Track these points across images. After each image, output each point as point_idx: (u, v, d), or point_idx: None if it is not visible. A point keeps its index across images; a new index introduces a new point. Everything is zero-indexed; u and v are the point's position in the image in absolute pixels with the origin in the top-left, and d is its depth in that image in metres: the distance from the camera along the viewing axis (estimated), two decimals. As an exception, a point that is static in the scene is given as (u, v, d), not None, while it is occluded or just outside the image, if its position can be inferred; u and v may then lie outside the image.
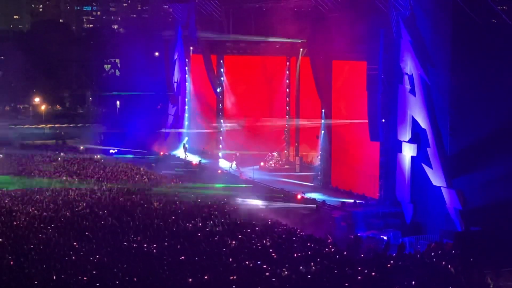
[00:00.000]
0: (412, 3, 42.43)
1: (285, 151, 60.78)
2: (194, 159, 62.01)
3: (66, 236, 38.29)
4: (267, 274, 32.69)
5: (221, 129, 61.79)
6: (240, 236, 38.83)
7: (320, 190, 50.08)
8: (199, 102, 66.30)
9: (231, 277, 32.11)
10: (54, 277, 31.82)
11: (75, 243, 37.02)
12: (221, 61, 62.01)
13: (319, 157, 52.43)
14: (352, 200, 46.56)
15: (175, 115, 67.68)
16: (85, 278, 31.66)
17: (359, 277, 32.46)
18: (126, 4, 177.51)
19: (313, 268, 33.58)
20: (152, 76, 71.80)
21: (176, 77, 66.96)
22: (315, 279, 32.33)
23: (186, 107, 66.86)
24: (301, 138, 59.38)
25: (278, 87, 61.45)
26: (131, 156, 64.81)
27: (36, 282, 31.08)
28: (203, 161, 60.85)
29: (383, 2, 43.74)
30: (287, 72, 60.59)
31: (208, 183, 52.93)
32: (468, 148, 40.92)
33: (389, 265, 34.39)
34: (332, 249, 37.43)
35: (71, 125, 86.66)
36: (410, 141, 43.30)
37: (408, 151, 43.40)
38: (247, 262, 34.22)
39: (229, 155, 59.77)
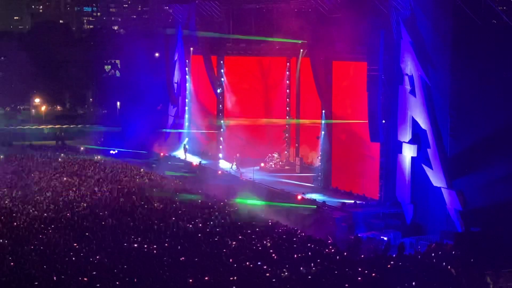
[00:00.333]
0: (412, 3, 42.44)
1: (286, 152, 60.75)
2: (194, 160, 61.99)
3: (66, 237, 38.30)
4: (268, 274, 32.71)
5: (221, 129, 61.83)
6: (240, 237, 38.85)
7: (321, 190, 50.06)
8: (199, 103, 66.29)
9: (232, 278, 32.13)
10: (55, 278, 31.84)
11: (75, 244, 37.03)
12: (221, 61, 62.02)
13: (319, 157, 52.42)
14: (352, 201, 46.56)
15: (175, 115, 67.66)
16: (85, 279, 31.69)
17: (359, 278, 32.48)
18: (126, 5, 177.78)
19: (314, 268, 33.60)
20: (153, 77, 71.74)
21: (176, 77, 66.95)
22: (316, 279, 32.35)
23: (186, 107, 66.83)
24: (301, 139, 59.33)
25: (278, 87, 61.40)
26: (131, 157, 64.76)
27: (36, 283, 31.09)
28: (204, 162, 60.83)
29: (383, 2, 43.73)
30: (287, 72, 60.53)
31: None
32: (468, 149, 40.92)
33: (389, 266, 34.40)
34: (333, 250, 37.45)
35: (72, 125, 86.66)
36: (410, 142, 43.32)
37: (408, 152, 43.41)
38: (247, 263, 34.24)
39: (229, 156, 59.75)
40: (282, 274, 32.86)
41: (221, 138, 61.83)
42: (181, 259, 34.84)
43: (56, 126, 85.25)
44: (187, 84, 66.65)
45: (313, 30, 52.12)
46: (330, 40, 49.81)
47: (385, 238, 40.69)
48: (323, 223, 43.45)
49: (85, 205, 46.08)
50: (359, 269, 33.36)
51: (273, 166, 58.61)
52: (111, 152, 67.01)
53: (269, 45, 58.33)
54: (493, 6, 41.38)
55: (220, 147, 61.73)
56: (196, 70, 65.86)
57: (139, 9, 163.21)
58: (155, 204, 46.37)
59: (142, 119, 67.37)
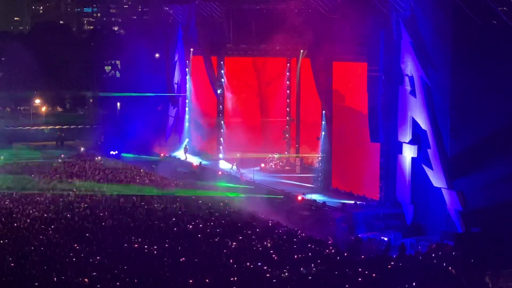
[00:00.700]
0: (413, 4, 42.43)
1: (286, 153, 60.74)
2: (195, 160, 61.98)
3: (66, 237, 38.31)
4: (268, 275, 32.72)
5: (222, 130, 61.81)
6: (240, 238, 38.86)
7: (321, 191, 50.05)
8: (199, 104, 66.27)
9: (232, 279, 32.14)
10: (55, 278, 31.85)
11: (75, 245, 37.03)
12: (222, 62, 62.01)
13: (319, 158, 52.41)
14: (352, 201, 46.54)
15: (176, 116, 67.66)
16: (85, 280, 31.70)
17: (360, 279, 32.50)
18: (126, 6, 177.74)
19: (314, 269, 33.62)
20: (153, 78, 71.77)
21: (176, 78, 66.93)
22: (316, 280, 32.36)
23: (187, 108, 66.82)
24: (301, 139, 59.33)
25: (279, 88, 61.42)
26: (131, 156, 64.74)
27: (36, 284, 31.10)
28: (204, 162, 60.81)
29: (383, 3, 43.70)
30: (287, 73, 60.54)
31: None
32: (468, 149, 40.91)
33: (389, 266, 34.42)
34: (333, 251, 37.47)
35: (72, 126, 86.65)
36: (410, 142, 43.30)
37: (408, 152, 43.39)
38: (247, 264, 34.24)
39: (229, 156, 59.73)
40: (283, 275, 32.87)
41: (221, 139, 61.82)
42: (181, 259, 34.85)
43: (57, 127, 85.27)
44: (187, 85, 66.65)
45: (313, 31, 52.11)
46: (330, 40, 49.79)
47: (386, 239, 40.66)
48: (324, 224, 43.44)
49: (85, 205, 46.09)
50: (360, 269, 33.37)
51: (273, 166, 58.62)
52: (111, 152, 66.99)
53: (269, 46, 58.30)
54: (493, 6, 41.38)
55: (220, 147, 61.73)
56: (196, 70, 65.84)
57: (139, 9, 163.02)
58: (155, 205, 46.37)
59: (142, 120, 67.38)
